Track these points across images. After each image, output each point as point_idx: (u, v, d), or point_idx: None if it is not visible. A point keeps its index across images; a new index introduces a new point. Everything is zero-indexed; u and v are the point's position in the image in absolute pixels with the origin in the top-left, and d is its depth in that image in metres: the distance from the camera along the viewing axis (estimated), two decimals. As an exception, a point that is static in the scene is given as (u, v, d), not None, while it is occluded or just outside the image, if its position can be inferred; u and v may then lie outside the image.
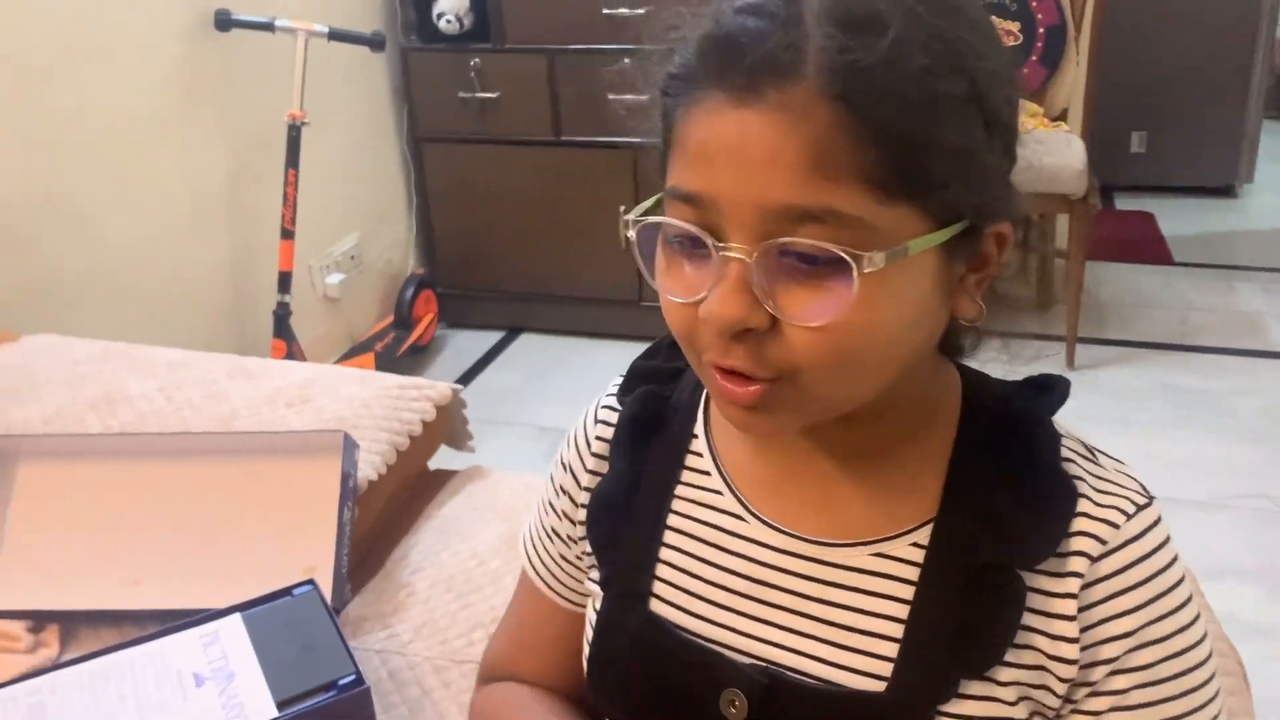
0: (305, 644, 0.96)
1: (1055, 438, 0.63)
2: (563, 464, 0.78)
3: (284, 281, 2.50)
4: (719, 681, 0.65)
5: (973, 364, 0.69)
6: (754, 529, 0.67)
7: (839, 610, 0.64)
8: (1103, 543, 0.60)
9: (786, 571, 0.66)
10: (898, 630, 0.62)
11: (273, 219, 2.52)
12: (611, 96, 2.82)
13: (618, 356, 0.79)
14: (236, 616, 0.99)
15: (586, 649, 0.73)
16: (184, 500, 1.23)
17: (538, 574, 0.81)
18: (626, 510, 0.72)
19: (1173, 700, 0.61)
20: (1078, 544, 0.60)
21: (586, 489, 0.75)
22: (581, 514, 0.75)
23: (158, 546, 1.21)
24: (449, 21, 2.93)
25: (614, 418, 0.75)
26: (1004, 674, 0.61)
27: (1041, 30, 2.83)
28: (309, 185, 2.55)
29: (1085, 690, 0.61)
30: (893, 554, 0.63)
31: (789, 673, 0.65)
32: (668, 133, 0.59)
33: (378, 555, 1.29)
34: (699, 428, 0.72)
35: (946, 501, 0.63)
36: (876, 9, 0.53)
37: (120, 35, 2.18)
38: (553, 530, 0.79)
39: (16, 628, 1.15)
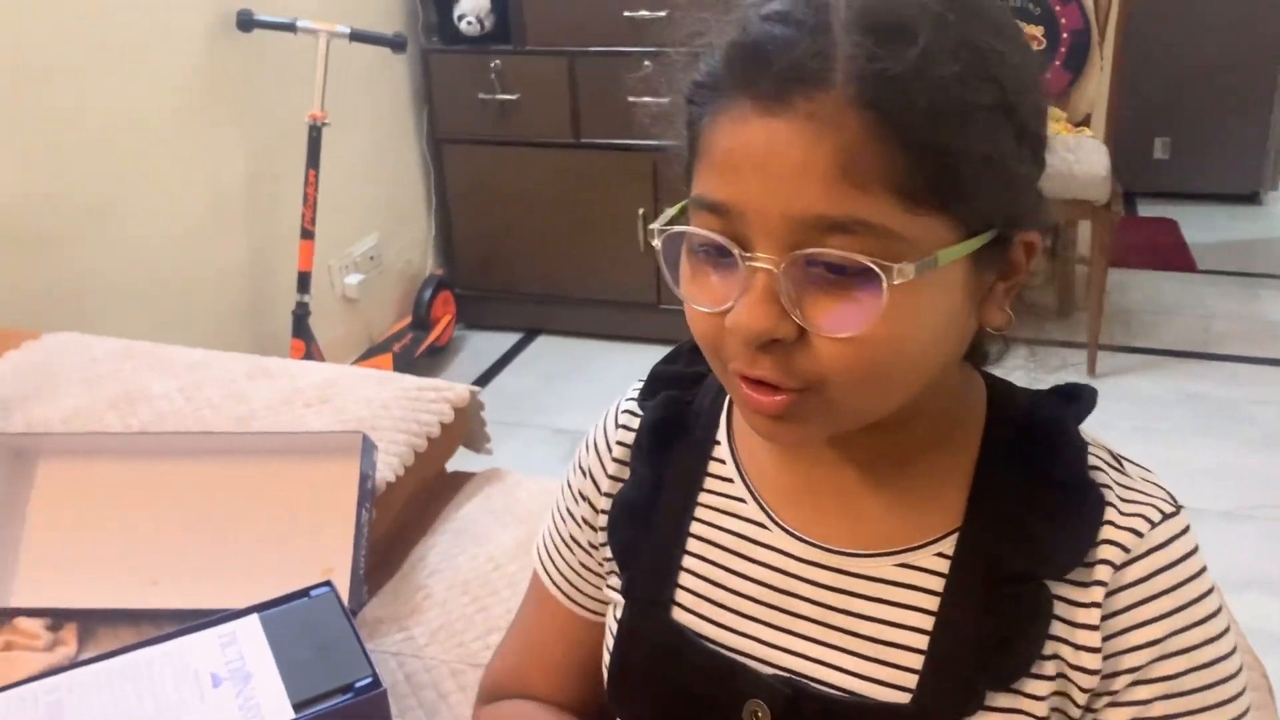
0: (322, 645, 0.96)
1: (1082, 446, 0.63)
2: (582, 469, 0.77)
3: (303, 281, 2.51)
4: (742, 691, 0.65)
5: (996, 372, 0.68)
6: (777, 538, 0.67)
7: (863, 621, 0.63)
8: (1126, 550, 0.59)
9: (810, 581, 0.65)
10: (922, 641, 0.62)
11: (293, 219, 2.52)
12: (631, 99, 2.84)
13: (636, 359, 0.78)
14: (254, 617, 0.98)
15: (607, 657, 0.72)
16: (202, 500, 1.24)
17: (554, 584, 0.80)
18: (648, 517, 0.71)
19: (1199, 713, 0.60)
20: (1103, 552, 0.59)
21: (607, 494, 0.74)
22: (602, 520, 0.74)
23: (176, 546, 1.21)
24: (470, 23, 2.94)
25: (635, 423, 0.74)
26: (1030, 685, 0.60)
27: (1065, 35, 2.81)
28: (329, 186, 2.56)
29: (1105, 700, 0.60)
30: (917, 564, 0.63)
31: (812, 683, 0.64)
32: (693, 140, 0.58)
33: (395, 557, 1.29)
34: (721, 434, 0.71)
35: (971, 511, 0.62)
36: (906, 17, 0.52)
37: (143, 35, 2.19)
38: (571, 538, 0.78)
39: (35, 626, 1.16)
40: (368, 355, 2.89)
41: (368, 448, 1.23)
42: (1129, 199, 3.98)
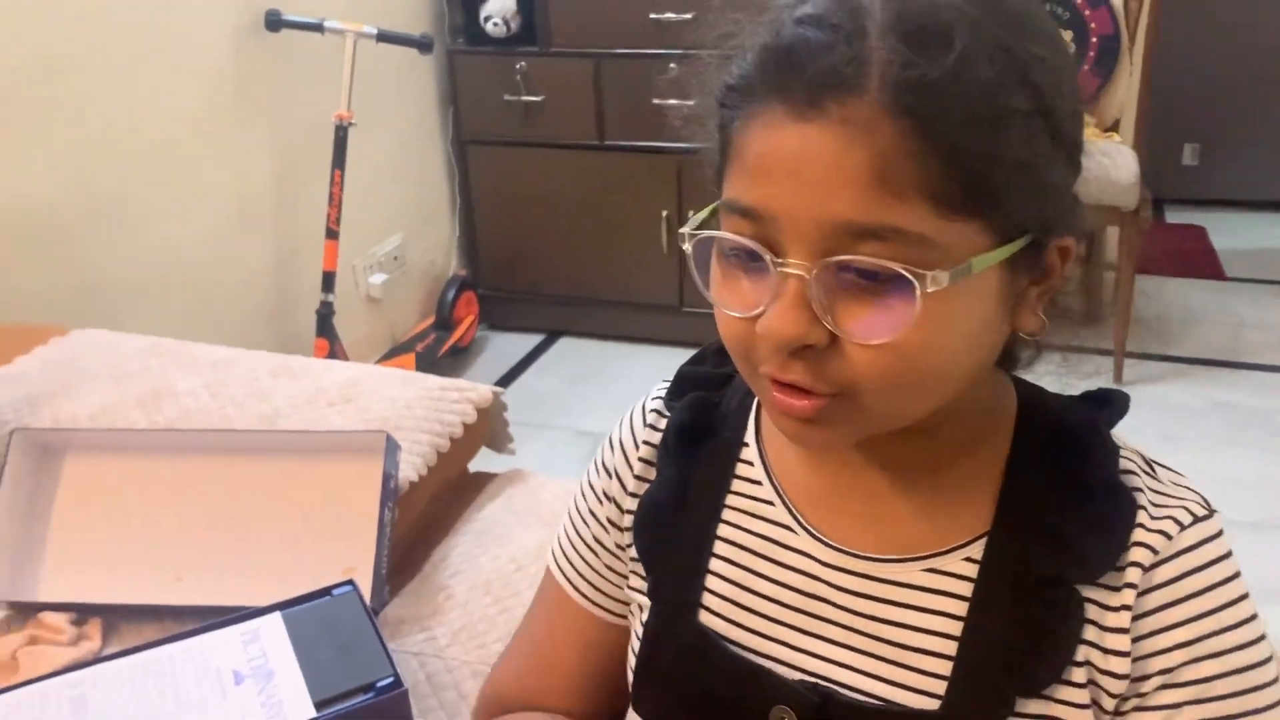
0: (344, 644, 0.96)
1: (1113, 450, 0.62)
2: (606, 470, 0.76)
3: (328, 281, 2.52)
4: (769, 696, 0.64)
5: (1025, 377, 0.67)
6: (804, 541, 0.66)
7: (890, 627, 0.63)
8: (1155, 552, 0.59)
9: (837, 586, 0.65)
10: (951, 647, 0.61)
11: (318, 219, 2.54)
12: (657, 102, 2.83)
13: (658, 362, 0.78)
14: (276, 615, 0.99)
15: (632, 660, 0.72)
16: (226, 498, 1.24)
17: (574, 586, 0.79)
18: (675, 518, 0.70)
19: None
20: (1134, 555, 0.59)
21: (633, 495, 0.74)
22: (628, 521, 0.74)
23: (200, 543, 1.22)
24: (496, 24, 2.94)
25: (662, 423, 0.73)
26: (1061, 692, 0.59)
27: (1094, 39, 2.78)
28: (354, 185, 2.57)
29: (1133, 703, 0.60)
30: (945, 569, 0.62)
31: (839, 689, 0.63)
32: (725, 144, 0.57)
33: (417, 557, 1.29)
34: (749, 436, 0.71)
35: (1000, 515, 0.62)
36: (942, 21, 0.52)
37: (173, 35, 2.20)
38: (596, 540, 0.77)
39: (60, 620, 1.16)
40: (391, 355, 2.90)
41: (391, 447, 1.23)
42: (1157, 205, 3.94)
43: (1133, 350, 2.87)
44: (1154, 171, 2.97)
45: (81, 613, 1.18)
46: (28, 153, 1.90)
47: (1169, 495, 0.61)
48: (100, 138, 2.05)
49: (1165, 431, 2.56)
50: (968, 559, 0.62)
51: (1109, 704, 0.60)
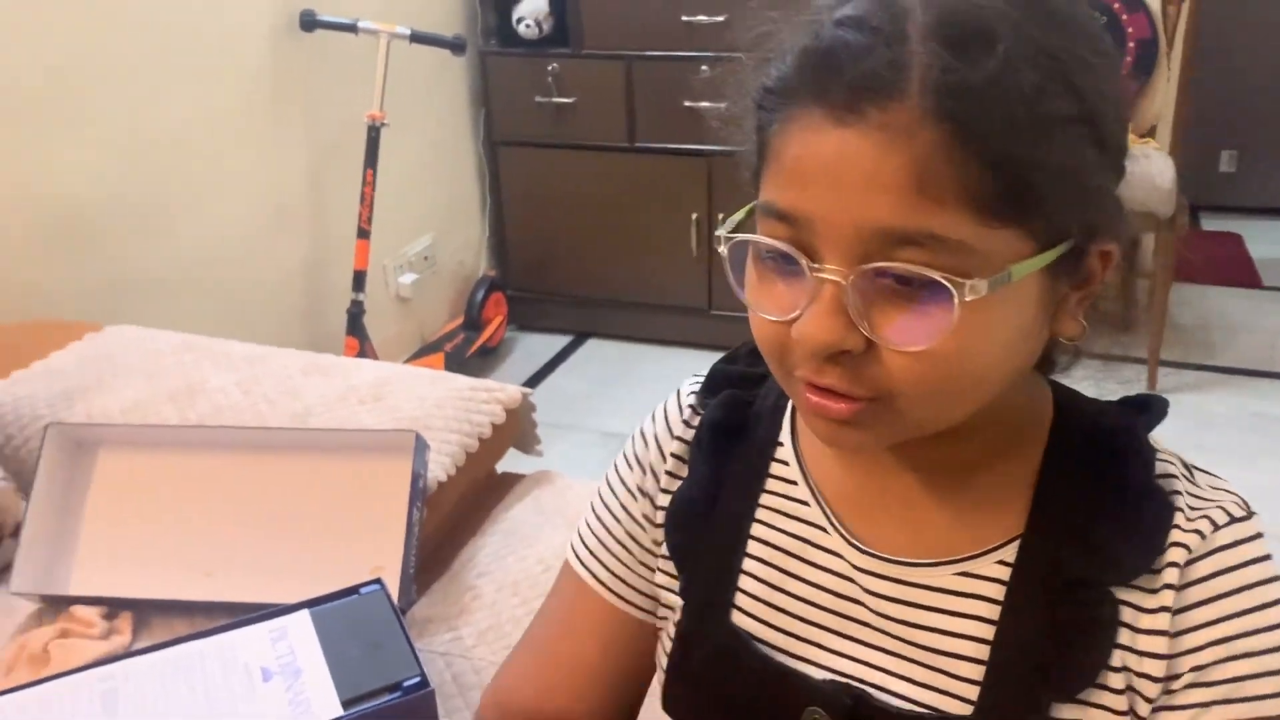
0: (371, 643, 0.96)
1: (1150, 454, 0.61)
2: (640, 464, 0.75)
3: (359, 280, 2.53)
4: (802, 697, 0.64)
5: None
6: (836, 543, 0.66)
7: (922, 631, 0.62)
8: (1190, 550, 0.58)
9: (870, 590, 0.64)
10: (983, 651, 0.61)
11: (350, 218, 2.55)
12: (687, 103, 2.82)
13: (686, 364, 0.77)
14: (305, 613, 0.99)
15: (664, 660, 0.71)
16: (257, 494, 1.25)
17: (602, 582, 0.76)
18: (708, 517, 0.70)
19: None
20: (1171, 555, 0.58)
21: (665, 491, 0.73)
22: (660, 517, 0.73)
23: (230, 539, 1.22)
24: (528, 26, 2.95)
25: (695, 420, 0.73)
26: (1096, 696, 0.59)
27: (1132, 44, 2.75)
28: (385, 185, 2.58)
29: (1160, 702, 0.59)
30: (978, 572, 0.62)
31: (871, 691, 0.63)
32: (762, 146, 0.57)
33: (444, 557, 1.30)
34: (784, 435, 0.70)
35: (1034, 517, 0.61)
36: (985, 24, 0.51)
37: (209, 35, 2.22)
38: (629, 536, 0.75)
39: (91, 614, 1.17)
40: (419, 354, 2.91)
41: (420, 447, 1.23)
42: (1193, 212, 3.89)
43: (1167, 358, 2.83)
44: (1190, 178, 2.94)
45: (112, 607, 1.19)
46: (65, 152, 1.93)
47: (1206, 498, 0.60)
48: (137, 137, 2.07)
49: (1199, 441, 2.52)
50: (1000, 562, 0.61)
51: (1144, 709, 0.59)
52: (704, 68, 2.69)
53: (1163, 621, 0.58)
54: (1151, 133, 2.85)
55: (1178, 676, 0.58)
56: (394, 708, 0.91)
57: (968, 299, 0.51)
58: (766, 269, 0.57)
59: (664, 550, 0.72)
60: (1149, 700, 0.58)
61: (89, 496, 1.26)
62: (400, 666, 0.94)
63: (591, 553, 0.77)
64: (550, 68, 2.96)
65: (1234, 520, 0.59)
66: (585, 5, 2.89)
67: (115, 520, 1.25)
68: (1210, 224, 3.92)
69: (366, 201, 2.50)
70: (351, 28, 2.48)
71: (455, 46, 2.57)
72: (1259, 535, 0.59)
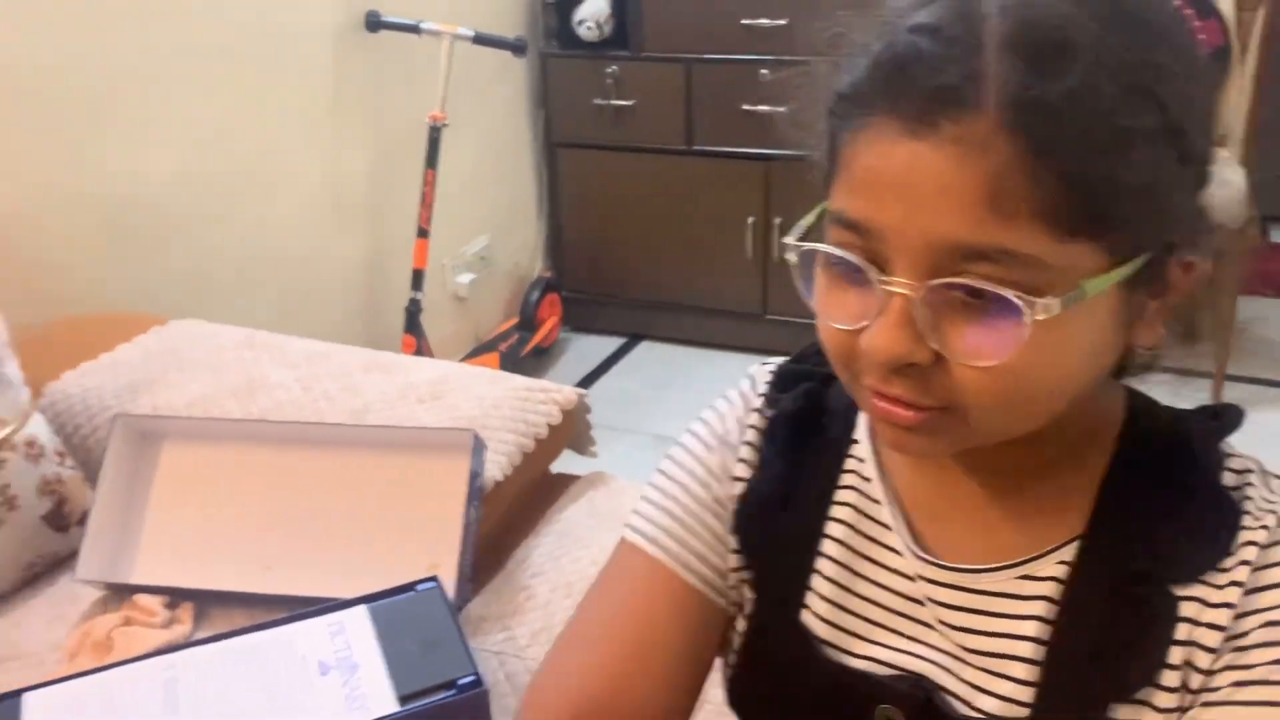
0: (427, 640, 0.97)
1: (1220, 458, 0.60)
2: (720, 443, 0.71)
3: (417, 279, 2.55)
4: (874, 695, 0.63)
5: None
6: (901, 544, 0.65)
7: (980, 636, 0.62)
8: (1260, 547, 0.56)
9: (931, 598, 0.64)
10: (1041, 653, 0.60)
11: (410, 218, 2.57)
12: (746, 107, 2.79)
13: (740, 369, 0.75)
14: (362, 608, 1.00)
15: (733, 658, 0.71)
16: (316, 490, 1.26)
17: (682, 564, 0.69)
18: (782, 513, 0.69)
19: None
20: (1243, 554, 0.57)
21: (737, 479, 0.70)
22: (732, 503, 0.71)
23: (289, 533, 1.24)
24: (589, 28, 2.96)
25: (769, 412, 0.71)
26: (1155, 696, 0.57)
27: (1205, 51, 2.70)
28: (444, 186, 2.60)
29: (1202, 683, 0.57)
30: (1038, 574, 0.61)
31: (936, 691, 0.63)
32: (833, 152, 0.56)
33: (499, 556, 1.30)
34: (860, 433, 0.69)
35: (1097, 517, 0.60)
36: (1065, 35, 0.49)
37: (276, 35, 2.25)
38: (711, 514, 0.71)
39: (154, 603, 1.19)
40: (475, 353, 2.93)
41: (478, 446, 1.23)
42: (1263, 223, 3.80)
43: (1233, 373, 2.76)
44: (1261, 188, 2.87)
45: (174, 596, 1.21)
46: (134, 150, 1.96)
47: (1278, 499, 0.59)
48: (203, 136, 2.11)
49: (1266, 460, 2.46)
50: (1061, 561, 0.60)
51: (1189, 701, 0.57)
52: (763, 71, 2.68)
53: (1224, 617, 0.56)
54: (1223, 142, 2.79)
55: (1219, 656, 0.56)
56: (448, 706, 0.91)
57: (1039, 317, 0.50)
58: (835, 276, 0.56)
59: (732, 542, 0.71)
60: (1193, 692, 0.57)
61: (153, 487, 1.29)
62: (456, 664, 0.94)
63: (669, 534, 0.71)
64: (609, 70, 2.97)
65: None
66: (646, 8, 2.89)
67: (178, 511, 1.27)
68: (1280, 236, 3.82)
69: (426, 202, 2.52)
70: (415, 29, 2.50)
71: (517, 48, 2.58)
72: None
